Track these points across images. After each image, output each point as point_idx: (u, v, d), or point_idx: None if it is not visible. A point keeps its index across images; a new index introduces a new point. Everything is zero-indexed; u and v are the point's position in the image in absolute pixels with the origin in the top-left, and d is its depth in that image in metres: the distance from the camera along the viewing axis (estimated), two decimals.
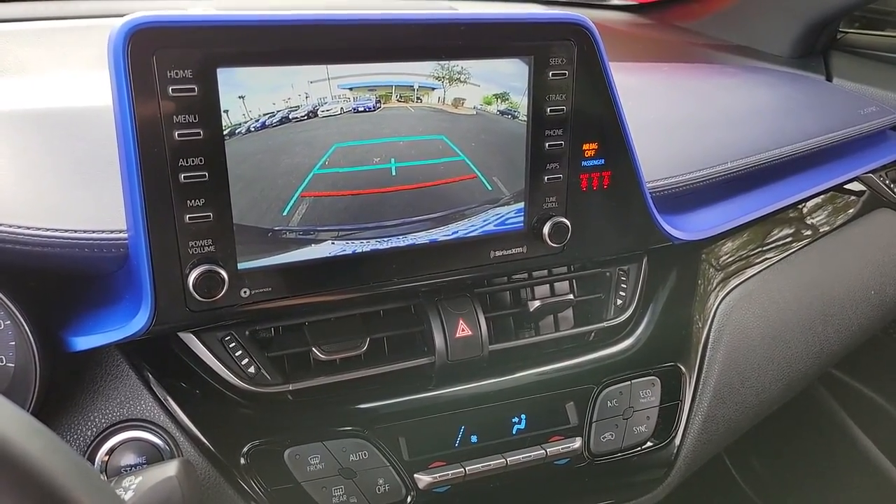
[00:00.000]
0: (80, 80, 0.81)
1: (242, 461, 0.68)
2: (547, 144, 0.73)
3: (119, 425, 0.67)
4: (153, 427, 0.67)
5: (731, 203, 0.98)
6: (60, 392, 0.66)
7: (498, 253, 0.76)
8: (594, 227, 0.79)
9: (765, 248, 1.02)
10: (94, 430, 0.66)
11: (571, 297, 0.83)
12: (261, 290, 0.66)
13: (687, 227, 0.88)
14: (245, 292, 0.65)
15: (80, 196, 0.66)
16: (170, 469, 0.54)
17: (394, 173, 0.67)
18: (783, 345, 0.95)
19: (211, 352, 0.69)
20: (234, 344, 0.70)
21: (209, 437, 0.68)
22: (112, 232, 0.63)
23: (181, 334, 0.69)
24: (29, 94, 0.77)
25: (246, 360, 0.70)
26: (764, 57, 1.48)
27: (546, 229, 0.75)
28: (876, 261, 1.12)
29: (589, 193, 0.78)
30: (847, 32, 1.53)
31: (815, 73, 1.42)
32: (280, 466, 0.69)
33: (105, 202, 0.64)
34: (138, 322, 0.62)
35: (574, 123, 0.74)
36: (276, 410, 0.71)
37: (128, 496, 0.51)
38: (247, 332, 0.71)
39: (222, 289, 0.62)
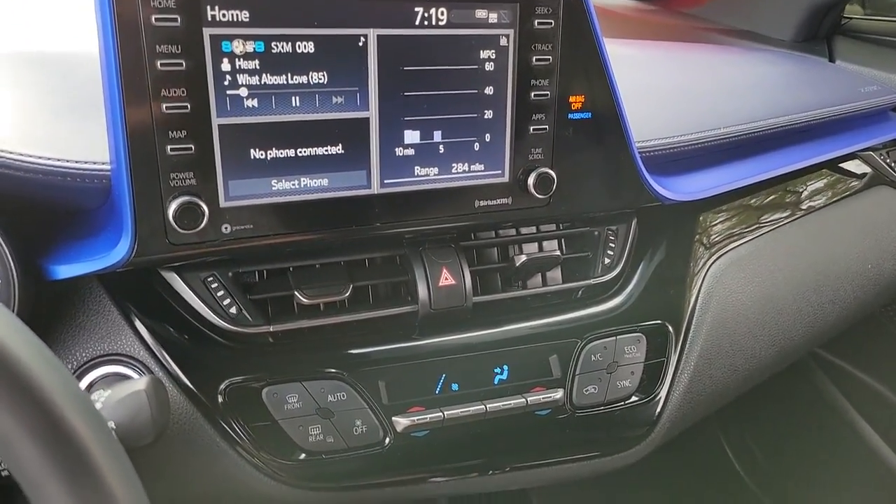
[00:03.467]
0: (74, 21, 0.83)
1: (220, 399, 0.69)
2: (532, 94, 0.74)
3: (99, 359, 0.67)
4: (133, 362, 0.67)
5: (725, 169, 0.98)
6: (42, 325, 0.67)
7: (483, 203, 0.76)
8: (580, 181, 0.79)
9: (760, 218, 1.02)
10: (75, 363, 0.67)
11: (558, 253, 0.83)
12: (243, 228, 0.66)
13: (678, 189, 0.88)
14: (226, 228, 0.66)
15: (69, 130, 0.67)
16: (139, 384, 0.54)
17: None
18: (775, 311, 0.94)
19: (193, 291, 0.70)
20: (216, 284, 0.70)
21: (188, 374, 0.68)
22: (96, 163, 0.64)
23: (164, 273, 0.69)
24: (21, 35, 0.79)
25: (228, 300, 0.70)
26: (767, 41, 1.47)
27: (531, 180, 0.75)
28: (874, 236, 1.11)
29: (575, 147, 0.78)
30: (851, 18, 1.52)
31: (818, 56, 1.41)
32: (258, 404, 0.69)
33: (93, 138, 0.65)
34: (119, 252, 0.62)
35: (561, 75, 0.74)
36: (256, 351, 0.71)
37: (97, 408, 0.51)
38: (230, 274, 0.71)
39: (202, 222, 0.63)
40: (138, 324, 0.69)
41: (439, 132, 0.72)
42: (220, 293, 0.70)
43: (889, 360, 1.50)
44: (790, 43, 1.46)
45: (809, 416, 1.64)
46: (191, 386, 0.68)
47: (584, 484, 1.79)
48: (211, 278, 0.70)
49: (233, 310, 0.70)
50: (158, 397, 0.55)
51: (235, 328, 0.70)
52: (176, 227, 0.62)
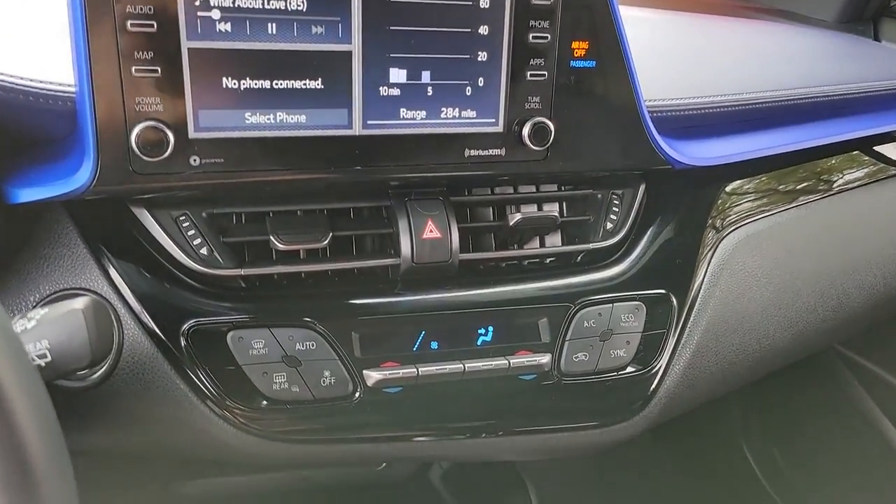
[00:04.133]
0: None
1: (183, 341, 0.66)
2: (531, 37, 0.69)
3: (61, 293, 0.65)
4: (97, 298, 0.65)
5: (746, 138, 0.91)
6: (8, 255, 0.65)
7: (473, 152, 0.71)
8: (581, 135, 0.74)
9: (784, 194, 0.95)
10: (38, 295, 0.65)
11: (556, 214, 0.78)
12: (212, 161, 0.63)
13: (691, 154, 0.82)
14: (195, 161, 0.63)
15: (36, 50, 0.64)
16: (77, 303, 0.51)
17: None
18: (793, 292, 0.88)
19: (163, 228, 0.67)
20: (187, 223, 0.68)
21: (151, 314, 0.65)
22: (61, 85, 0.62)
23: (134, 209, 0.67)
24: None
25: (199, 240, 0.67)
26: (809, 21, 1.39)
27: (526, 130, 0.70)
28: None
29: (577, 98, 0.72)
30: None
31: (863, 36, 1.33)
32: (221, 348, 0.66)
33: (60, 59, 0.62)
34: (81, 178, 0.60)
35: (563, 17, 0.69)
36: (225, 294, 0.68)
37: (30, 325, 0.49)
38: (204, 214, 0.68)
39: (167, 150, 0.60)
40: (105, 260, 0.66)
41: (428, 73, 0.67)
42: (192, 233, 0.67)
43: None
44: (833, 24, 1.38)
45: (837, 422, 1.55)
46: (153, 326, 0.65)
47: (594, 484, 1.73)
48: (183, 217, 0.67)
49: (203, 251, 0.67)
50: (98, 319, 0.52)
51: (205, 269, 0.67)
52: (140, 153, 0.59)
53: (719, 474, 1.79)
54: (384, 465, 1.13)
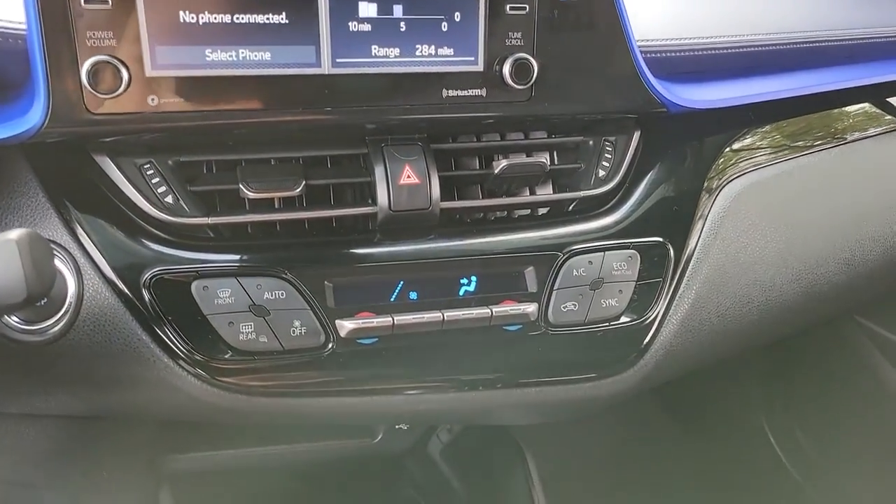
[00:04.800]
0: None
1: (145, 291, 0.63)
2: None
3: None
4: (56, 248, 0.62)
5: (748, 83, 0.86)
6: None
7: (452, 93, 0.67)
8: (567, 74, 0.70)
9: (791, 142, 0.89)
10: None
11: (544, 160, 0.74)
12: (171, 102, 0.60)
13: (688, 97, 0.77)
14: (153, 100, 0.60)
15: None
16: (11, 234, 0.48)
17: None
18: (801, 244, 0.83)
19: (125, 176, 0.64)
20: (152, 171, 0.65)
21: (113, 263, 0.63)
22: (11, 22, 0.59)
23: (96, 156, 0.64)
24: None
25: (164, 188, 0.64)
26: None
27: (507, 68, 0.66)
28: None
29: (561, 33, 0.68)
30: None
31: None
32: (186, 298, 0.63)
33: None
34: (33, 117, 0.57)
35: None
36: (191, 244, 0.65)
37: None
38: (169, 162, 0.65)
39: (121, 87, 0.57)
40: (66, 209, 0.63)
41: (400, 6, 0.64)
42: (156, 180, 0.64)
43: None
44: None
45: (860, 398, 1.49)
46: (114, 277, 0.63)
47: (599, 459, 1.69)
48: (147, 165, 0.65)
49: (168, 199, 0.64)
50: (35, 253, 0.49)
51: (170, 218, 0.64)
52: (92, 90, 0.56)
53: (738, 452, 1.74)
54: (380, 437, 1.10)
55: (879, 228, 0.90)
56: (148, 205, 0.64)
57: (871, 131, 0.97)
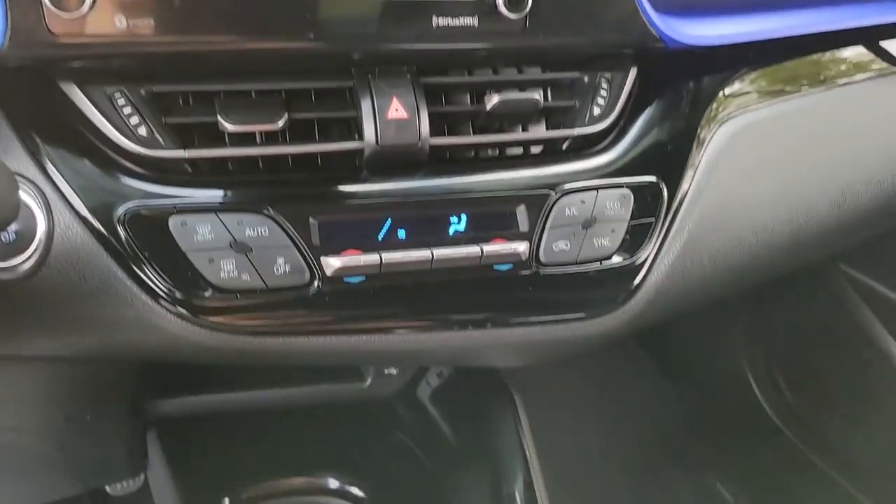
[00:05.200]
0: None
1: (120, 227, 0.60)
2: None
3: None
4: (24, 182, 0.59)
5: (748, 20, 0.83)
6: None
7: (443, 22, 0.64)
8: (564, 4, 0.66)
9: (788, 83, 0.87)
10: None
11: (537, 97, 0.71)
12: (140, 23, 0.56)
13: (688, 33, 0.74)
14: (120, 21, 0.56)
15: None
16: None
17: None
18: (794, 185, 0.81)
19: (96, 106, 0.61)
20: (123, 101, 0.61)
21: (84, 198, 0.60)
22: None
23: (63, 85, 0.60)
24: None
25: (137, 119, 0.61)
26: None
27: None
28: None
29: None
30: None
31: None
32: (162, 233, 0.61)
33: None
34: None
35: None
36: (167, 178, 0.62)
37: None
38: (142, 92, 0.62)
39: (84, 5, 0.53)
40: (32, 141, 0.60)
41: None
42: (128, 111, 0.61)
43: None
44: None
45: (843, 346, 1.50)
46: (86, 212, 0.60)
47: (587, 401, 1.71)
48: (118, 94, 0.61)
49: (142, 130, 0.61)
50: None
51: (144, 151, 0.61)
52: (54, 8, 0.53)
53: (720, 397, 1.77)
54: (369, 381, 1.10)
55: (870, 172, 0.89)
56: (120, 136, 0.61)
57: (864, 75, 0.95)
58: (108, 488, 1.16)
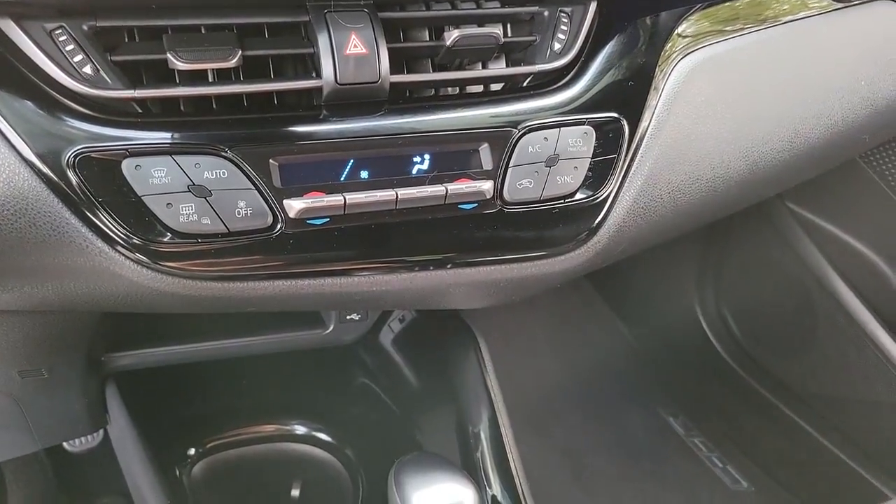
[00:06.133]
0: None
1: (70, 171, 0.58)
2: None
3: None
4: None
5: None
6: None
7: None
8: None
9: (744, 19, 0.88)
10: None
11: (497, 31, 0.70)
12: None
13: None
14: None
15: None
16: None
17: None
18: (750, 119, 0.83)
19: (35, 43, 0.57)
20: (65, 38, 0.58)
21: (28, 140, 0.57)
22: None
23: None
24: None
25: (81, 57, 0.58)
26: None
27: None
28: (870, 52, 0.98)
29: None
30: None
31: None
32: (116, 178, 0.58)
33: None
34: None
35: None
36: (116, 120, 0.59)
37: None
38: (84, 27, 0.58)
39: None
40: None
41: None
42: (71, 48, 0.58)
43: (866, 214, 1.40)
44: None
45: (788, 281, 1.56)
46: (32, 156, 0.57)
47: (546, 341, 1.74)
48: (59, 30, 0.58)
49: (87, 69, 0.58)
50: None
51: (90, 91, 0.58)
52: None
53: (672, 340, 1.82)
54: (331, 328, 1.10)
55: (822, 107, 0.91)
56: (64, 76, 0.57)
57: (817, 9, 0.96)
58: (66, 446, 1.14)
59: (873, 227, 1.42)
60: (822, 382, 1.54)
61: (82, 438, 1.12)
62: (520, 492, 0.95)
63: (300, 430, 1.20)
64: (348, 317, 1.10)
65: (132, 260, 0.61)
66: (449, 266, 0.72)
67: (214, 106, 0.64)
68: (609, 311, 1.94)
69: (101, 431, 1.12)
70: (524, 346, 1.73)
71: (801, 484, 1.59)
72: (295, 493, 1.17)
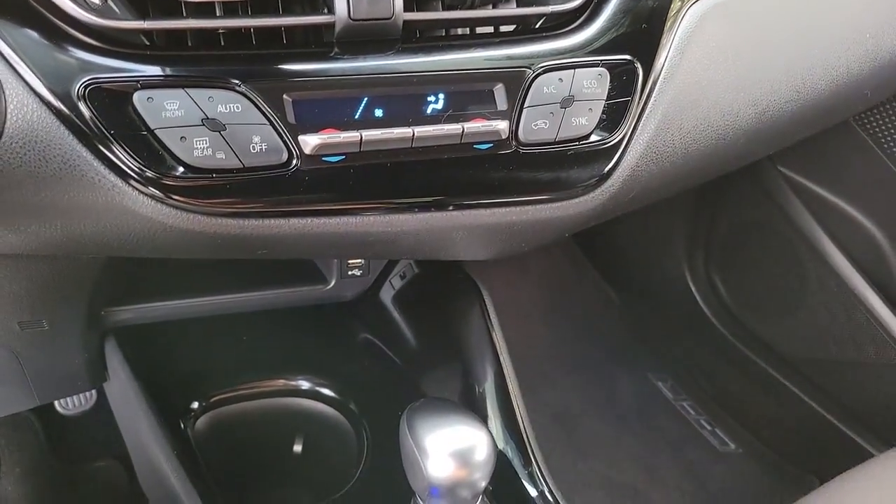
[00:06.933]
0: None
1: (81, 103, 0.56)
2: None
3: None
4: None
5: None
6: None
7: None
8: None
9: None
10: None
11: None
12: None
13: None
14: None
15: None
16: None
17: None
18: (760, 68, 0.83)
19: None
20: None
21: (37, 71, 0.55)
22: None
23: None
24: None
25: None
26: None
27: None
28: (876, 4, 0.98)
29: None
30: None
31: None
32: (127, 110, 0.57)
33: None
34: None
35: None
36: (125, 52, 0.58)
37: None
38: None
39: None
40: None
41: None
42: None
43: (858, 177, 1.41)
44: None
45: (778, 244, 1.57)
46: (41, 87, 0.55)
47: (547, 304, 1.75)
48: None
49: None
50: None
51: (98, 21, 0.56)
52: None
53: (661, 304, 1.84)
54: (333, 283, 1.09)
55: (827, 58, 0.91)
56: (72, 4, 0.55)
57: None
58: (60, 409, 1.13)
59: (865, 191, 1.43)
60: (811, 345, 1.56)
61: (76, 401, 1.11)
62: (527, 445, 0.96)
63: (304, 384, 1.20)
64: (350, 272, 1.09)
65: (146, 195, 0.60)
66: (464, 206, 0.72)
67: (222, 41, 0.62)
68: (599, 277, 1.95)
69: (95, 394, 1.11)
70: (517, 310, 1.74)
71: (789, 445, 1.62)
72: (298, 447, 1.17)
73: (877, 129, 1.37)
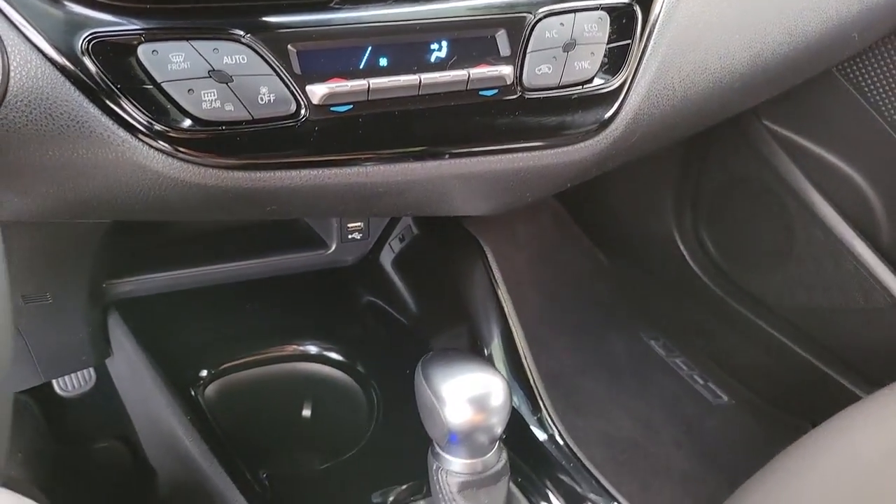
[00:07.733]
0: None
1: (85, 58, 0.55)
2: None
3: None
4: None
5: None
6: None
7: None
8: None
9: None
10: None
11: None
12: None
13: None
14: None
15: None
16: None
17: None
18: (753, 8, 0.83)
19: None
20: None
21: (39, 27, 0.54)
22: None
23: None
24: None
25: None
26: None
27: None
28: None
29: None
30: None
31: None
32: (133, 64, 0.56)
33: None
34: None
35: None
36: (130, 5, 0.57)
37: None
38: None
39: None
40: None
41: None
42: None
43: (843, 128, 1.43)
44: None
45: (765, 198, 1.58)
46: (43, 42, 0.54)
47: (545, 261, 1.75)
48: None
49: None
50: None
51: None
52: None
53: (650, 264, 1.85)
54: (333, 248, 1.09)
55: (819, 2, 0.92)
56: None
57: None
58: (59, 391, 1.12)
59: (849, 141, 1.44)
60: (799, 296, 1.58)
61: (76, 383, 1.10)
62: (536, 392, 0.98)
63: (313, 349, 1.20)
64: (349, 235, 1.09)
65: (156, 149, 0.59)
66: (472, 153, 0.72)
67: None
68: (588, 241, 1.96)
69: (94, 376, 1.10)
70: (509, 275, 1.75)
71: (781, 394, 1.65)
72: (307, 412, 1.18)
73: (860, 79, 1.38)
